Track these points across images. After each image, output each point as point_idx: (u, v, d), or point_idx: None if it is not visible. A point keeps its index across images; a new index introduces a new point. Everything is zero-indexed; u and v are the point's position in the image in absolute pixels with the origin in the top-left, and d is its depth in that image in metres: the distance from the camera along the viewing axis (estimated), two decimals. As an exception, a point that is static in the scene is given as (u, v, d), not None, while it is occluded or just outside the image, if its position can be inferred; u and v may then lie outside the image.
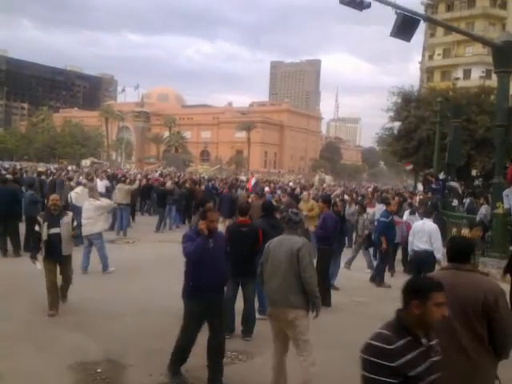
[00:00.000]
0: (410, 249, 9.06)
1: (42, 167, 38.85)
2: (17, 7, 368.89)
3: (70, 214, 7.45)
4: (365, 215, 11.70)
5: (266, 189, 19.37)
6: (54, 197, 7.44)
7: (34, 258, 7.09)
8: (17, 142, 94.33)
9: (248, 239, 6.31)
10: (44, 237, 6.93)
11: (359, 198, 19.54)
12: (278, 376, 4.65)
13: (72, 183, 16.70)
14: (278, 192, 19.03)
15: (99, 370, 5.22)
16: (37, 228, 7.07)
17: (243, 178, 42.29)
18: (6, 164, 46.24)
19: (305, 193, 15.66)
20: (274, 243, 4.83)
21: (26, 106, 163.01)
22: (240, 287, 6.51)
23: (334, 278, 9.42)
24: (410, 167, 34.15)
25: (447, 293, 3.22)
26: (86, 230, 9.67)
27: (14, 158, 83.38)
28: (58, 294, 7.05)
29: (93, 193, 10.56)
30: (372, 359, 2.40)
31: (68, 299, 7.35)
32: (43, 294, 6.98)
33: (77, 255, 7.51)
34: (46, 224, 6.96)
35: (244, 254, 6.18)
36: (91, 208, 9.96)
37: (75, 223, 7.36)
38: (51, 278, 6.98)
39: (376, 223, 10.87)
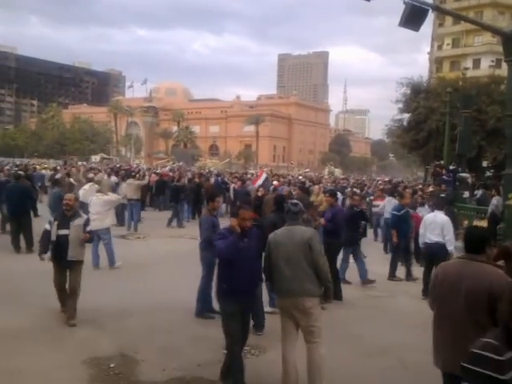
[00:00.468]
0: (421, 241, 8.99)
1: (52, 164, 39.22)
2: (24, 4, 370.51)
3: (85, 217, 6.97)
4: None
5: (275, 182, 19.32)
6: (68, 196, 6.97)
7: (41, 256, 6.73)
8: (27, 138, 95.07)
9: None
10: (53, 237, 6.58)
11: (369, 191, 19.49)
12: (288, 367, 4.66)
13: (71, 179, 16.81)
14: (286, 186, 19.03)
15: (112, 365, 5.25)
16: (47, 227, 6.71)
17: (252, 171, 42.33)
18: (17, 161, 46.74)
19: (315, 186, 15.63)
20: (279, 235, 4.86)
21: (35, 102, 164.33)
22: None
23: (343, 272, 9.42)
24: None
25: (453, 282, 3.27)
26: (95, 225, 9.39)
27: (24, 154, 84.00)
28: (66, 295, 6.69)
29: (101, 187, 10.59)
30: (479, 370, 2.23)
31: (79, 295, 6.68)
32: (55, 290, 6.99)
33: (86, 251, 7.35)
34: (55, 224, 6.61)
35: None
36: (99, 203, 9.98)
37: (88, 228, 6.83)
38: (58, 280, 6.66)
39: (388, 216, 10.77)
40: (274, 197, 8.98)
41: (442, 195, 14.06)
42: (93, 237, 7.33)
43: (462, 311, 3.20)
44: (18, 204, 11.33)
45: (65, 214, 6.71)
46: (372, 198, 16.69)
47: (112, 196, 10.59)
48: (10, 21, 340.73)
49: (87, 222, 6.86)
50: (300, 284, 4.61)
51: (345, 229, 9.08)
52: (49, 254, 6.70)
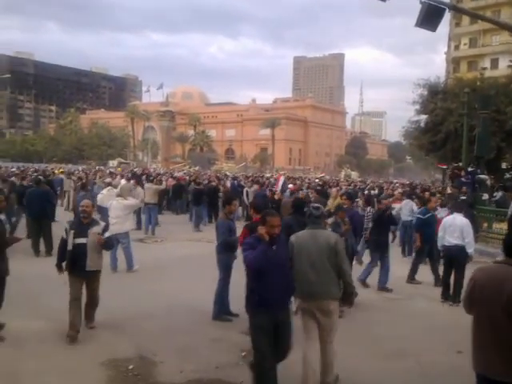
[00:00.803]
0: (439, 244, 8.87)
1: (71, 169, 39.84)
2: (40, 10, 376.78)
3: (103, 224, 6.57)
4: (368, 208, 11.43)
5: (290, 186, 19.32)
6: (85, 202, 6.55)
7: (59, 267, 6.31)
8: (46, 144, 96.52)
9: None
10: (69, 247, 6.16)
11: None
12: (308, 370, 4.69)
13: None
14: (304, 190, 19.04)
15: (131, 367, 5.29)
16: (64, 235, 6.33)
17: (268, 175, 42.39)
18: (36, 166, 47.55)
19: (333, 189, 15.57)
20: (301, 237, 4.87)
21: (53, 108, 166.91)
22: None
23: (366, 276, 9.37)
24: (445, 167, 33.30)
25: (493, 287, 3.24)
26: (115, 229, 9.11)
27: (43, 160, 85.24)
28: (80, 313, 6.25)
29: (121, 192, 10.69)
30: None
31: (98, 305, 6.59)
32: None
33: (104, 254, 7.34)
34: (72, 232, 6.19)
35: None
36: (120, 207, 10.08)
37: (106, 234, 6.45)
38: (74, 292, 6.18)
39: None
40: (293, 200, 9.09)
41: (463, 197, 13.88)
42: (113, 242, 7.06)
43: (502, 315, 3.17)
44: (39, 208, 11.53)
45: (81, 221, 6.35)
46: (391, 200, 16.57)
47: (132, 200, 10.70)
48: (26, 27, 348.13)
49: (106, 228, 6.53)
50: (325, 287, 4.72)
51: (371, 232, 9.30)
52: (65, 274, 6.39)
